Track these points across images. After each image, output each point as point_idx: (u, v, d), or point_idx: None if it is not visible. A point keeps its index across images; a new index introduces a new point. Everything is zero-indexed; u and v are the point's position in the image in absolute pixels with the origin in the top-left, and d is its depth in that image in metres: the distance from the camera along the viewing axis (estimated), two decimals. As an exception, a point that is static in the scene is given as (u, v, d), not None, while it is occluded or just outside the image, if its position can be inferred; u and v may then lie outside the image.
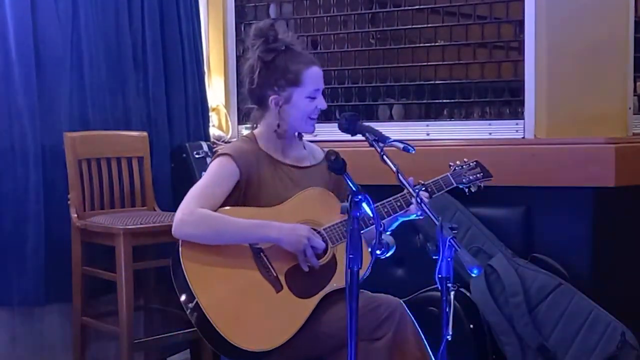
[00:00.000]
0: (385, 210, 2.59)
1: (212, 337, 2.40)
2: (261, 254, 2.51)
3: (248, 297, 2.46)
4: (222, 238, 2.49)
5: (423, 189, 2.62)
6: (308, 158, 2.74)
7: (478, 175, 2.75)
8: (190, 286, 2.41)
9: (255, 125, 2.71)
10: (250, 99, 2.70)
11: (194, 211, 2.47)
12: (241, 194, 2.58)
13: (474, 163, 2.77)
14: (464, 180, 2.72)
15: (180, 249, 2.47)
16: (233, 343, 2.38)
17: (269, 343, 2.41)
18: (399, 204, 2.60)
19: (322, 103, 2.63)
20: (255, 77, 2.61)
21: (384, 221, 2.60)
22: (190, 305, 2.42)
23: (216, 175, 2.57)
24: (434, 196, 2.65)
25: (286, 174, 2.65)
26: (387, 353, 2.42)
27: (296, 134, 2.70)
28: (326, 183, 2.71)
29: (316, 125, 2.68)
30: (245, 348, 2.38)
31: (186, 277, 2.42)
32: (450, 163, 2.76)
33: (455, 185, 2.71)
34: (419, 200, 2.30)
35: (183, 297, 2.45)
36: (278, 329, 2.43)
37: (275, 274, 2.49)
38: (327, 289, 2.51)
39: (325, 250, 2.53)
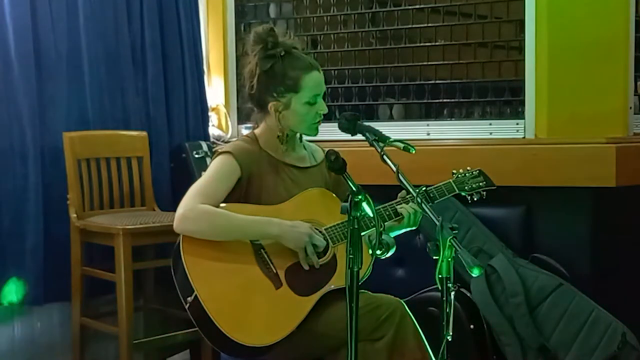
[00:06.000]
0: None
1: (210, 331, 2.40)
2: (262, 250, 2.51)
3: (247, 293, 2.45)
4: (223, 234, 2.49)
5: (424, 189, 2.62)
6: (308, 158, 2.74)
7: (480, 183, 2.76)
8: (190, 279, 2.41)
9: (256, 125, 2.71)
10: (250, 102, 2.70)
11: (195, 207, 2.47)
12: (242, 193, 2.59)
13: (477, 171, 2.79)
14: (466, 187, 2.73)
15: (181, 243, 2.47)
16: (231, 337, 2.37)
17: (266, 339, 2.40)
18: (387, 213, 2.59)
19: (322, 107, 2.61)
20: (254, 83, 2.61)
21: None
22: (189, 298, 2.42)
23: (218, 172, 2.57)
24: (435, 202, 2.66)
25: (287, 174, 2.65)
26: (386, 354, 2.41)
27: (298, 135, 2.70)
28: (326, 183, 2.71)
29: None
30: (243, 343, 2.38)
31: (186, 270, 2.42)
32: (454, 170, 2.77)
33: (457, 192, 2.72)
34: (419, 201, 2.30)
35: (182, 291, 2.45)
36: (276, 325, 2.43)
37: (275, 271, 2.49)
38: (326, 289, 2.51)
39: (326, 250, 2.53)
